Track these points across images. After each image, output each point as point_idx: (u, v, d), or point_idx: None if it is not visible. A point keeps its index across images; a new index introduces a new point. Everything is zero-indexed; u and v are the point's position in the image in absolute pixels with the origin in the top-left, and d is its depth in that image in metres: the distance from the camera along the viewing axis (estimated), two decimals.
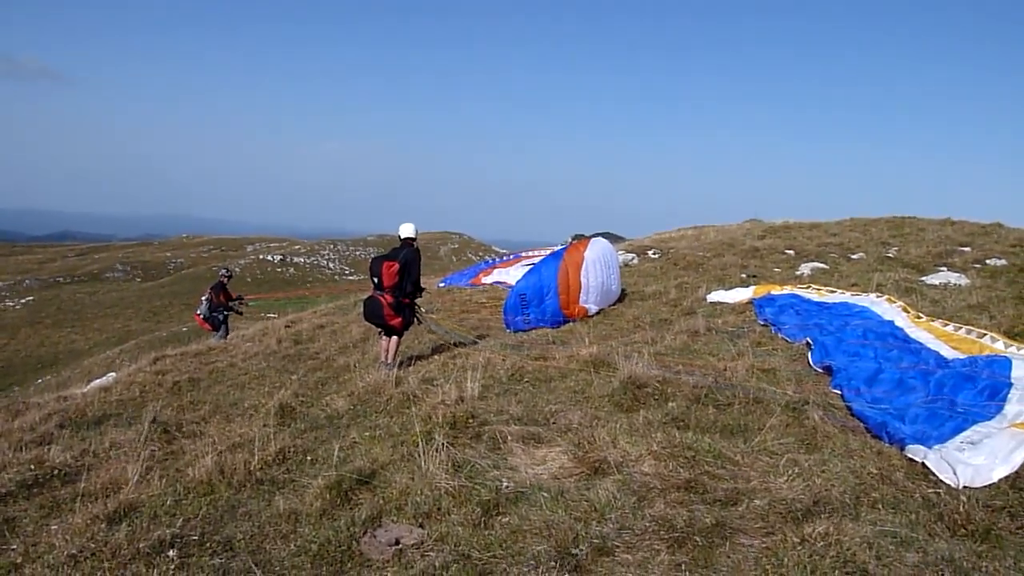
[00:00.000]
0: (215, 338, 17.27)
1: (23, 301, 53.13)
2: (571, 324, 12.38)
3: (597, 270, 13.18)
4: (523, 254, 18.43)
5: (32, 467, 6.80)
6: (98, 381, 15.92)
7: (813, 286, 14.35)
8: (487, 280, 19.45)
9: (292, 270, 60.27)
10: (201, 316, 17.77)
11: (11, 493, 6.16)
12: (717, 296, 14.17)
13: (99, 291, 56.37)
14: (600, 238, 15.47)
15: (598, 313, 13.23)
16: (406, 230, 10.17)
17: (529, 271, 13.42)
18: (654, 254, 21.91)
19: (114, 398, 10.38)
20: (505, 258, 17.35)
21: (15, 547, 5.05)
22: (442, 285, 18.71)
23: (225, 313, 17.92)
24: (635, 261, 21.18)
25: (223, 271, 18.80)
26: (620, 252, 22.14)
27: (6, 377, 37.98)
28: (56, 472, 6.65)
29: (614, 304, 14.15)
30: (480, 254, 74.79)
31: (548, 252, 15.63)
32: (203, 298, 18.00)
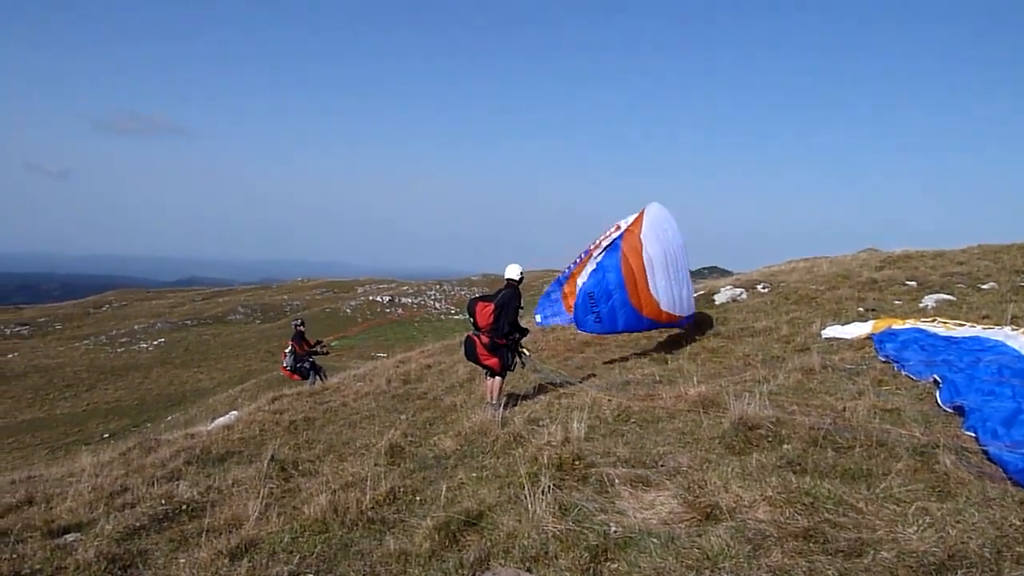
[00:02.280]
0: (308, 384, 17.80)
1: (155, 343, 56.91)
2: (677, 362, 12.13)
3: (657, 251, 12.46)
4: (591, 245, 16.42)
5: (163, 502, 7.23)
6: (222, 419, 16.80)
7: (939, 319, 13.49)
8: (581, 282, 17.45)
9: (400, 310, 61.97)
10: (288, 368, 18.43)
11: (144, 527, 6.56)
12: (833, 331, 13.53)
13: (222, 333, 59.70)
14: (655, 205, 13.95)
15: (683, 318, 12.58)
16: (511, 271, 10.30)
17: (594, 268, 12.83)
18: (763, 288, 21.21)
19: (236, 436, 10.90)
20: (582, 255, 15.75)
21: None
22: (540, 321, 17.20)
23: (310, 360, 18.57)
24: (743, 296, 20.57)
25: (297, 322, 19.50)
26: (727, 287, 21.59)
27: (140, 414, 40.63)
28: (184, 507, 7.03)
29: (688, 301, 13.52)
30: None
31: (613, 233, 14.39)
32: (286, 351, 18.66)
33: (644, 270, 12.14)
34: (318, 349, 18.98)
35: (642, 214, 13.29)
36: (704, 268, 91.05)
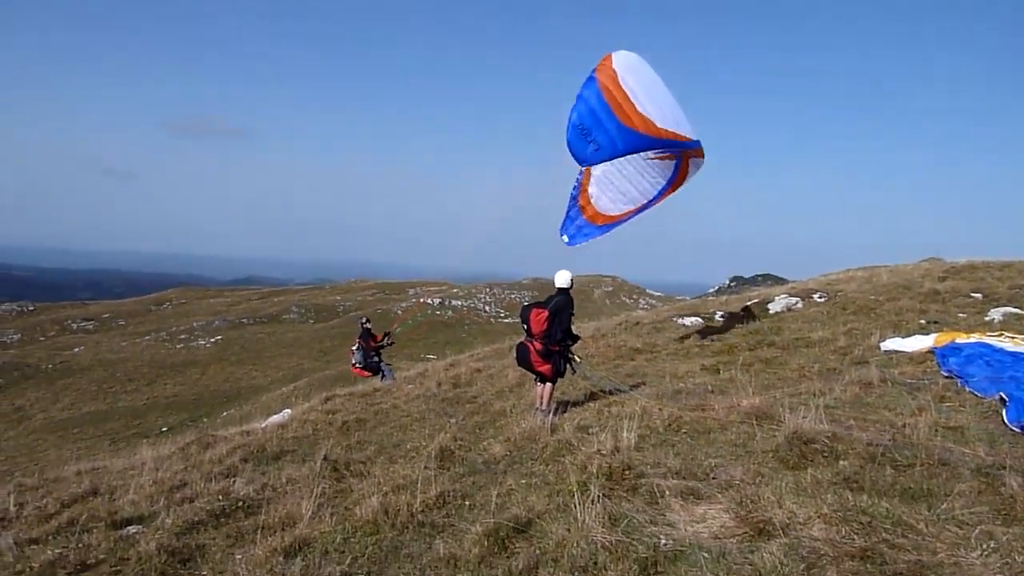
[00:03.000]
0: (384, 380, 17.98)
1: (213, 340, 58.44)
2: (730, 372, 11.93)
3: (635, 80, 11.51)
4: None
5: (220, 498, 7.43)
6: (276, 417, 17.16)
7: (1006, 334, 13.00)
8: (593, 190, 15.24)
9: (450, 313, 62.41)
10: (359, 366, 18.64)
11: (202, 521, 6.75)
12: (892, 344, 13.16)
13: (277, 331, 60.99)
14: (623, 52, 12.47)
15: (690, 140, 11.84)
16: (561, 279, 10.27)
17: (575, 103, 11.83)
18: (820, 298, 20.76)
19: (290, 435, 11.14)
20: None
21: (204, 573, 5.51)
22: (569, 242, 14.79)
23: (378, 357, 18.75)
24: (799, 305, 20.17)
25: (363, 320, 19.75)
26: (782, 296, 21.19)
27: (197, 408, 41.77)
28: (240, 504, 7.22)
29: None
30: (634, 297, 74.14)
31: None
32: (354, 348, 18.87)
33: (627, 96, 11.44)
34: (385, 343, 19.15)
35: (609, 56, 12.31)
36: (758, 275, 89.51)
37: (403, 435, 10.36)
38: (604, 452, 7.05)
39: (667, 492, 5.98)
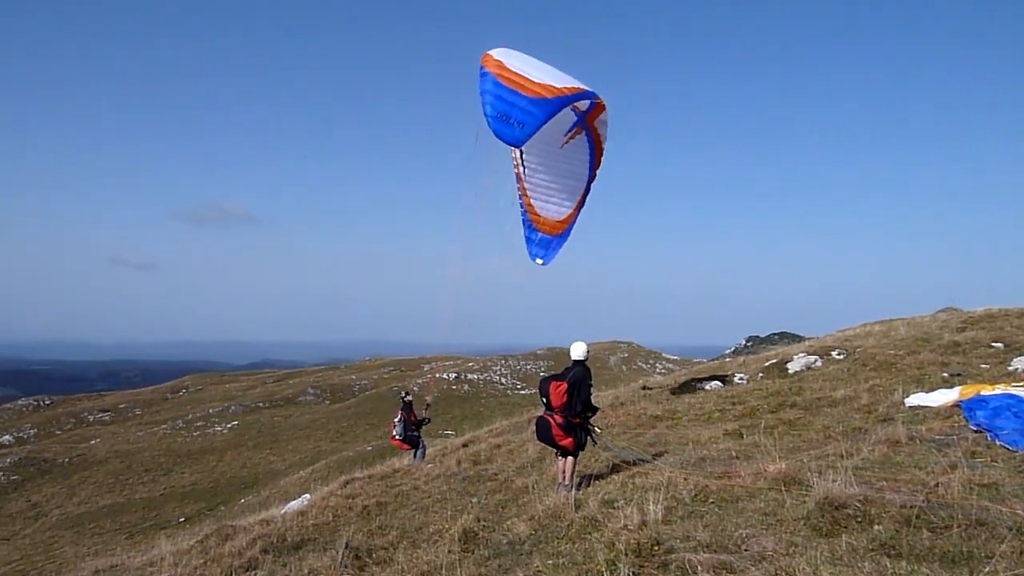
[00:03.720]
0: (415, 458, 17.74)
1: (229, 426, 58.15)
2: (753, 436, 11.75)
3: (512, 58, 11.99)
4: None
5: None
6: (295, 503, 16.93)
7: None
8: (536, 203, 15.33)
9: (466, 387, 62.02)
10: (398, 438, 18.45)
11: None
12: (917, 399, 12.96)
13: (293, 414, 60.67)
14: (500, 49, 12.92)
15: (585, 91, 12.09)
16: (577, 350, 10.24)
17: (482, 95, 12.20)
18: (839, 355, 20.56)
19: (310, 522, 10.95)
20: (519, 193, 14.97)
21: None
22: (545, 262, 15.25)
23: (417, 432, 18.60)
24: (818, 364, 19.96)
25: (405, 394, 19.63)
26: (800, 355, 21.00)
27: (215, 497, 41.25)
28: None
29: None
30: (651, 362, 73.59)
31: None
32: (396, 420, 18.67)
33: (521, 74, 11.85)
34: (424, 420, 19.01)
35: (486, 54, 12.76)
36: (774, 334, 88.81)
37: (425, 517, 10.17)
38: (631, 527, 6.90)
39: (699, 567, 5.82)
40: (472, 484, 12.16)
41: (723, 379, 20.62)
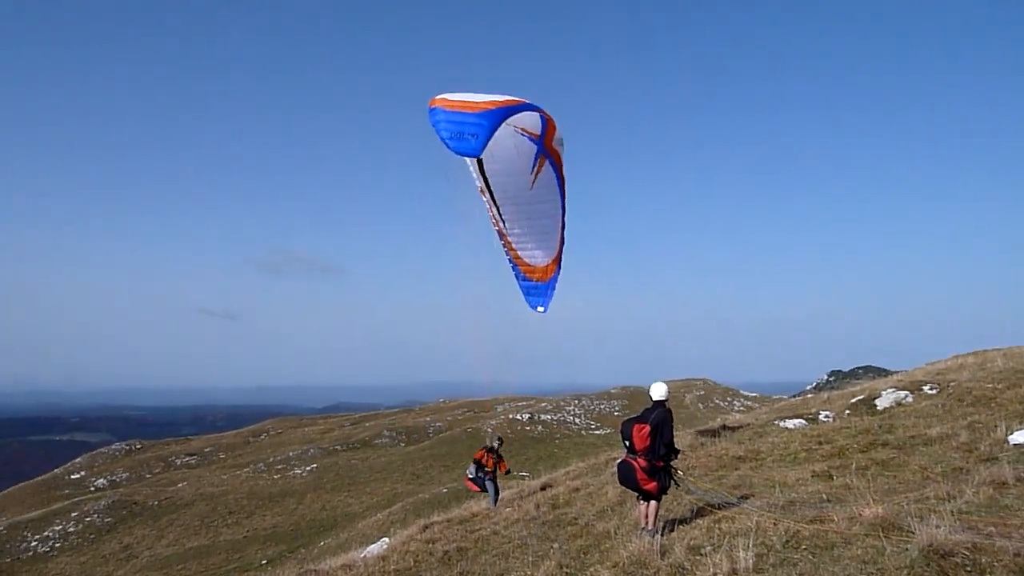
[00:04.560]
0: (489, 502, 17.46)
1: (308, 469, 59.05)
2: (844, 478, 11.24)
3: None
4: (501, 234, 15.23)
5: None
6: (374, 547, 17.00)
7: None
8: (523, 252, 15.38)
9: (540, 427, 61.55)
10: (470, 477, 18.26)
11: None
12: (1022, 437, 12.20)
13: (370, 457, 61.25)
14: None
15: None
16: (657, 391, 10.05)
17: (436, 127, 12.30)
18: (931, 389, 19.60)
19: (391, 567, 10.97)
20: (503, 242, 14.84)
21: None
22: (545, 309, 15.27)
23: (488, 477, 18.33)
24: (909, 399, 19.06)
25: (498, 440, 19.31)
26: (889, 390, 20.11)
27: (295, 539, 41.78)
28: None
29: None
30: (728, 399, 71.67)
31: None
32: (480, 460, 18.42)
33: (465, 99, 12.08)
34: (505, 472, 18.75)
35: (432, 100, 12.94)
36: (858, 368, 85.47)
37: (506, 563, 10.05)
38: (721, 575, 6.66)
39: None
40: (552, 529, 11.98)
41: (807, 417, 19.88)
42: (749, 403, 67.82)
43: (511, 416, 64.60)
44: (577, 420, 64.80)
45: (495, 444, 18.73)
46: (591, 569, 8.39)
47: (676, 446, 10.07)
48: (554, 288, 14.90)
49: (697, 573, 6.95)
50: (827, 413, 19.94)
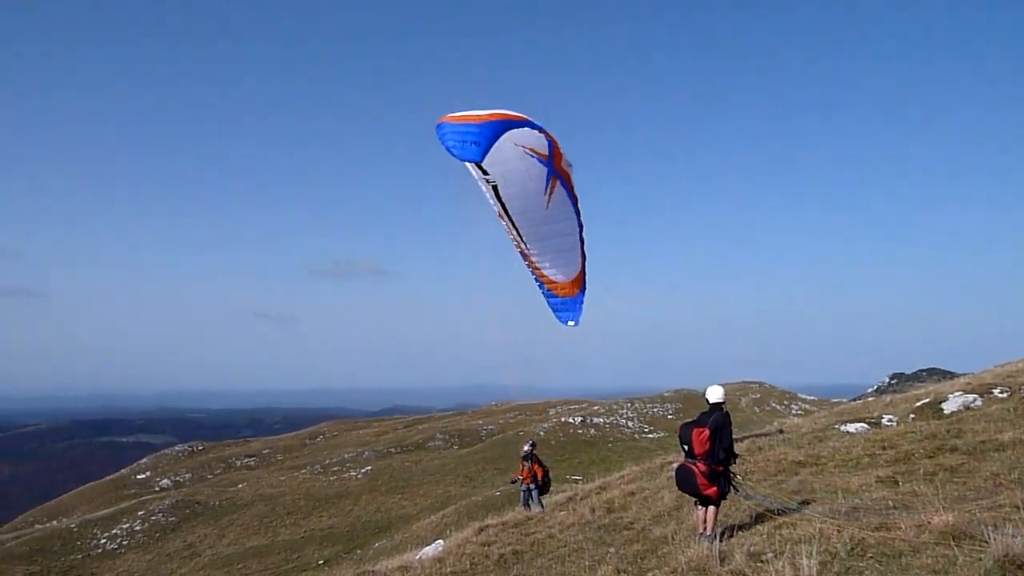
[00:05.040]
0: (536, 507, 17.48)
1: (363, 471, 59.84)
2: (911, 484, 10.89)
3: None
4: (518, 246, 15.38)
5: None
6: (429, 549, 17.11)
7: None
8: (547, 271, 15.61)
9: (592, 431, 61.22)
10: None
11: None
12: None
13: (423, 459, 61.76)
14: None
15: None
16: (714, 394, 9.88)
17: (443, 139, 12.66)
18: (1001, 392, 18.86)
19: (448, 570, 11.03)
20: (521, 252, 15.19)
21: None
22: (576, 323, 15.29)
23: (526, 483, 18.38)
24: (978, 403, 18.37)
25: (530, 444, 19.35)
26: (956, 393, 19.42)
27: (351, 540, 42.38)
28: None
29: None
30: (785, 403, 70.21)
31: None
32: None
33: (473, 113, 12.37)
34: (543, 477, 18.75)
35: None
36: (921, 371, 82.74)
37: (562, 567, 10.00)
38: None
39: None
40: (608, 533, 11.88)
41: (869, 421, 19.33)
42: (807, 406, 66.33)
43: (563, 419, 64.44)
44: (630, 423, 64.25)
45: (527, 449, 18.60)
46: (649, 574, 8.30)
47: (735, 451, 9.89)
48: (582, 303, 15.16)
49: None
50: (890, 417, 19.37)
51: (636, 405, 69.39)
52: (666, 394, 74.31)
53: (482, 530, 14.06)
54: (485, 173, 13.13)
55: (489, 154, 12.23)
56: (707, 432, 9.32)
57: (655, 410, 68.09)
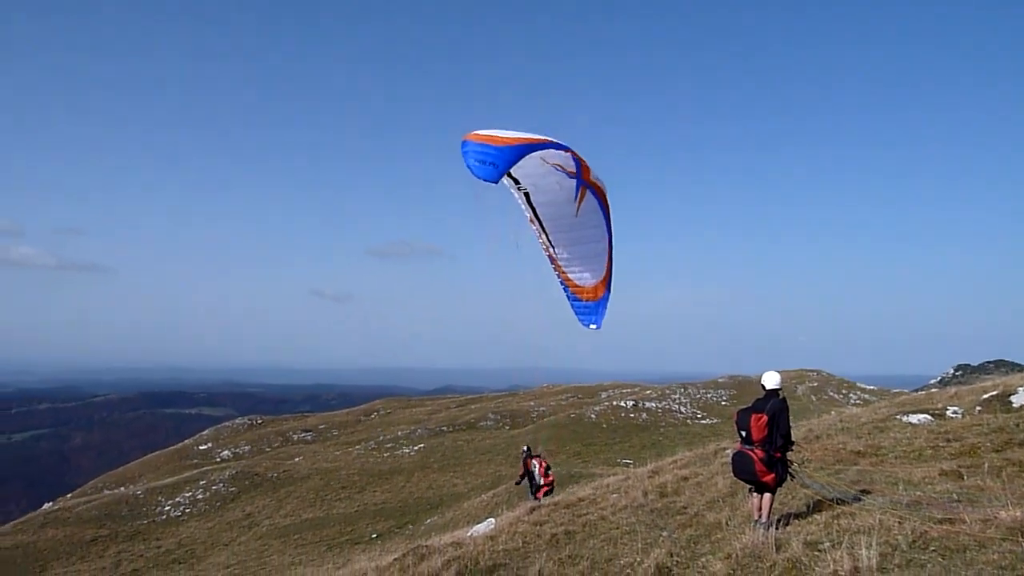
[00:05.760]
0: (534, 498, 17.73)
1: (416, 448, 60.80)
2: (977, 478, 10.57)
3: None
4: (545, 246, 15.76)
5: None
6: (481, 527, 17.34)
7: None
8: (573, 275, 15.97)
9: (644, 415, 60.93)
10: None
11: None
12: None
13: (475, 439, 62.41)
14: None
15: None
16: (771, 380, 9.74)
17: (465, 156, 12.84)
18: None
19: (500, 547, 11.17)
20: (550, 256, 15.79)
21: None
22: (599, 326, 15.50)
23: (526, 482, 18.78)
24: None
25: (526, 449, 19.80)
26: None
27: (403, 516, 43.18)
28: None
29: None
30: (843, 392, 68.67)
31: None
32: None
33: (495, 134, 12.71)
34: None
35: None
36: (988, 362, 79.91)
37: (614, 549, 10.03)
38: (842, 573, 6.43)
39: None
40: (660, 517, 11.85)
41: (933, 412, 18.79)
42: (866, 396, 64.74)
43: (614, 403, 64.29)
44: (682, 409, 63.72)
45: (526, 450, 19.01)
46: (702, 559, 8.27)
47: (792, 437, 9.74)
48: (605, 307, 15.51)
49: (816, 569, 6.71)
50: (955, 409, 18.79)
51: (689, 391, 68.75)
52: (720, 380, 73.41)
53: (534, 510, 14.17)
54: (517, 182, 13.70)
55: (519, 166, 12.77)
56: (765, 418, 9.19)
57: (708, 396, 67.37)
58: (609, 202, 14.53)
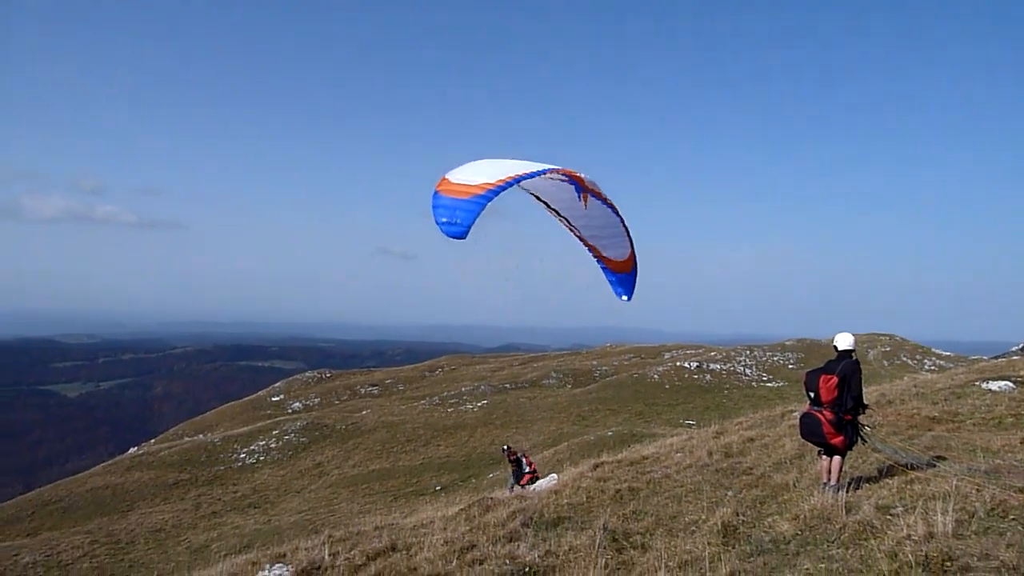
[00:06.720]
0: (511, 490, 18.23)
1: (479, 404, 61.79)
2: None
3: None
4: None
5: (507, 562, 7.73)
6: (543, 481, 17.61)
7: None
8: (606, 252, 15.82)
9: (708, 376, 60.36)
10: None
11: None
12: None
13: (537, 396, 63.01)
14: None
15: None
16: (843, 341, 9.50)
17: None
18: None
19: (564, 501, 11.32)
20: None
21: None
22: (629, 297, 15.39)
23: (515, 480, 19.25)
24: None
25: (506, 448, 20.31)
26: None
27: (466, 469, 44.16)
28: (527, 570, 7.44)
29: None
30: (917, 357, 66.52)
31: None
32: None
33: (455, 183, 12.13)
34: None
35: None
36: None
37: (679, 507, 10.06)
38: (916, 538, 6.30)
39: None
40: (726, 477, 11.79)
41: (1015, 380, 18.04)
42: (942, 362, 62.58)
43: (678, 363, 63.81)
44: (748, 371, 62.81)
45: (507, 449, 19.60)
46: (769, 519, 8.22)
47: (864, 400, 9.51)
48: (635, 280, 15.52)
49: (888, 533, 6.59)
50: None
51: (755, 353, 67.64)
52: (788, 343, 71.94)
53: (597, 466, 14.28)
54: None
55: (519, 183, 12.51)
56: (836, 379, 8.99)
57: (775, 359, 66.18)
58: (614, 203, 14.51)
